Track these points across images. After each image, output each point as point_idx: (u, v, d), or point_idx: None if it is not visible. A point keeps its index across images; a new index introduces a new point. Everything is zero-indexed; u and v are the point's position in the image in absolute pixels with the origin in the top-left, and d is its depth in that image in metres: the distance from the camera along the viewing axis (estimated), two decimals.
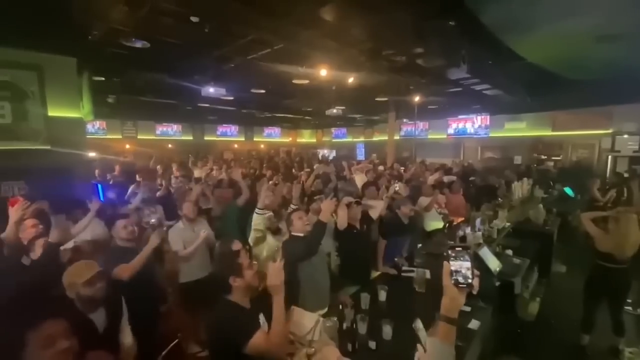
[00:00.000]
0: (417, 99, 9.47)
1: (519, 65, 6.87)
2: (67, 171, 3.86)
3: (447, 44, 5.29)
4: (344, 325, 2.06)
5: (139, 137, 14.22)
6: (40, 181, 3.51)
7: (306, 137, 21.31)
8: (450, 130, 13.62)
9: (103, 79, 6.72)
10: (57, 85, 3.89)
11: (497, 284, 3.11)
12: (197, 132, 16.33)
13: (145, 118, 14.06)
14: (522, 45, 5.74)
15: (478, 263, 3.23)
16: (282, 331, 1.51)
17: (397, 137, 13.64)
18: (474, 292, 1.04)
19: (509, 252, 3.83)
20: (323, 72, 6.37)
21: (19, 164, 3.58)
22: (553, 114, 10.71)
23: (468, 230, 4.00)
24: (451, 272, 1.03)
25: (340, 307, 2.14)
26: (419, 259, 3.31)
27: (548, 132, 11.01)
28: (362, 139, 17.93)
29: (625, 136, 9.16)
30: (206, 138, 16.65)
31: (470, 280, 1.02)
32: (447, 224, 4.72)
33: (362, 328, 2.05)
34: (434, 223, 4.74)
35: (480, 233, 3.81)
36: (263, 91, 9.14)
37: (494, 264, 3.22)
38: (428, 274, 2.84)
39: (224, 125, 17.22)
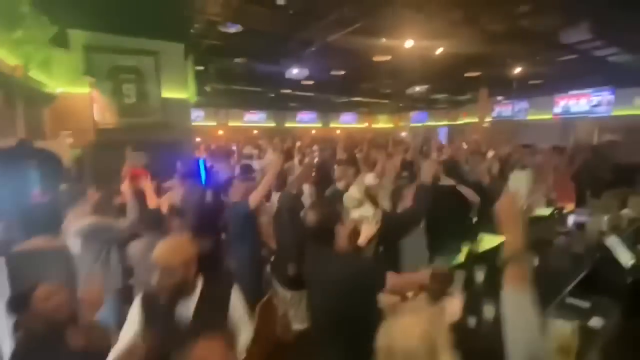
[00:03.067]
0: (516, 71, 8.25)
1: None
2: (179, 145, 4.47)
3: None
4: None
5: (229, 124, 15.76)
6: (157, 153, 4.12)
7: (382, 123, 20.68)
8: (557, 109, 11.54)
9: (202, 68, 7.52)
10: (170, 69, 4.52)
11: (630, 279, 2.54)
12: (279, 118, 17.32)
13: (235, 106, 15.46)
14: None
15: (605, 254, 2.70)
16: None
17: (488, 119, 12.17)
18: None
19: None
20: (407, 44, 5.97)
21: (141, 138, 4.25)
22: None
23: (585, 217, 3.38)
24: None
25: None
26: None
27: None
28: (445, 122, 16.58)
29: None
30: (287, 125, 17.53)
31: None
32: (556, 210, 4.05)
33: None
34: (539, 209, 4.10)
35: (605, 221, 3.16)
36: (342, 72, 9.06)
37: (625, 256, 2.65)
38: (536, 261, 2.47)
39: (303, 111, 17.85)
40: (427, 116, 17.99)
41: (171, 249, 1.34)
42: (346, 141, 6.71)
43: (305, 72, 6.86)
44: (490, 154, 3.75)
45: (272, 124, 17.18)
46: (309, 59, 7.14)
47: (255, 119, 16.80)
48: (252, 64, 7.80)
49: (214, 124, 15.37)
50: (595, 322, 2.16)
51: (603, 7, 4.68)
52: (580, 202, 4.59)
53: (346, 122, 19.78)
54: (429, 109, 17.14)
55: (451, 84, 10.91)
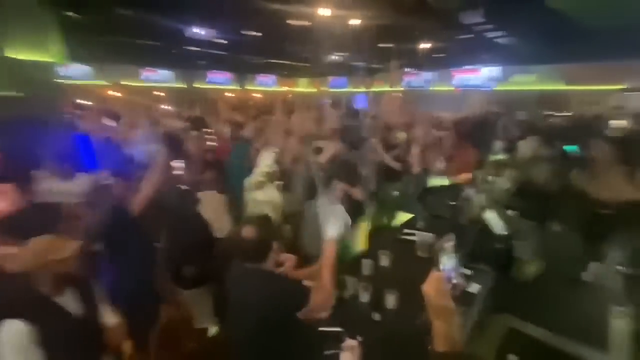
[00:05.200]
0: (422, 46, 8.77)
1: (537, 10, 6.18)
2: (44, 121, 3.48)
3: None
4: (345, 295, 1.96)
5: (122, 83, 13.36)
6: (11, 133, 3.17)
7: (303, 87, 20.33)
8: (455, 82, 12.94)
9: (74, 14, 5.99)
10: (19, 22, 3.31)
11: (501, 247, 3.05)
12: (187, 78, 15.42)
13: (127, 62, 13.08)
14: None
15: (482, 225, 3.15)
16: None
17: (399, 89, 12.98)
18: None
19: (513, 213, 3.74)
20: (323, 12, 5.71)
21: None
22: (567, 67, 10.08)
23: (472, 191, 3.87)
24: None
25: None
26: (420, 222, 3.19)
27: (561, 86, 10.47)
28: (363, 89, 17.11)
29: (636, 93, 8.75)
30: (196, 85, 15.76)
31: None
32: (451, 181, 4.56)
33: (364, 297, 1.95)
34: (436, 179, 4.54)
35: (484, 194, 3.66)
36: (255, 33, 8.35)
37: (498, 227, 3.13)
38: (431, 238, 2.73)
39: (214, 71, 16.19)
40: (346, 82, 18.26)
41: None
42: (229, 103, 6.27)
43: (213, 33, 6.05)
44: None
45: (180, 85, 15.24)
46: (217, 15, 6.31)
47: (157, 78, 14.64)
48: (145, 15, 6.53)
49: (104, 82, 12.83)
50: (474, 288, 2.56)
51: None
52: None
53: (264, 85, 18.81)
54: (348, 74, 17.36)
55: (366, 53, 11.14)
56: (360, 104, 16.19)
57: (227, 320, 1.73)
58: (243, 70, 16.62)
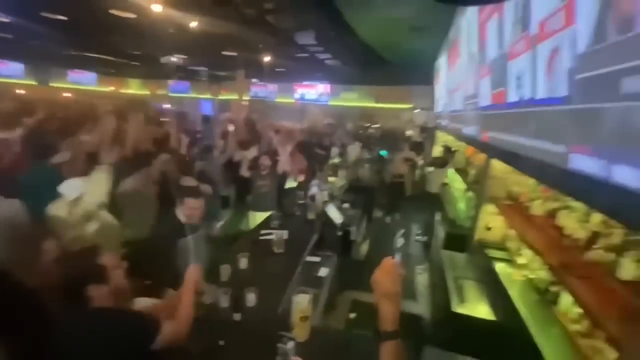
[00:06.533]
0: (266, 59, 9.28)
1: (355, 41, 7.67)
2: None
3: (298, 6, 5.27)
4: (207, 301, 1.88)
5: None
6: None
7: (134, 88, 17.69)
8: (297, 95, 14.32)
9: None
10: None
11: (340, 233, 3.62)
12: None
13: None
14: (359, 23, 6.38)
15: (325, 218, 3.65)
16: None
17: (247, 98, 13.24)
18: None
19: (347, 205, 4.51)
20: (156, 8, 5.20)
21: None
22: (376, 89, 12.90)
23: (316, 189, 4.42)
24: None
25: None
26: (275, 221, 3.39)
27: (373, 104, 13.26)
28: (208, 95, 16.42)
29: (419, 110, 12.11)
30: None
31: None
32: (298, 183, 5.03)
33: (225, 301, 1.93)
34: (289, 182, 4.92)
35: (326, 192, 4.24)
36: (63, 17, 6.71)
37: (337, 217, 3.70)
38: (286, 235, 2.95)
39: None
40: (188, 87, 17.06)
41: None
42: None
43: None
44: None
45: None
46: None
47: None
48: None
49: None
50: (323, 272, 2.95)
51: (324, 21, 6.02)
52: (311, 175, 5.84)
53: (79, 82, 15.30)
54: (190, 79, 16.27)
55: (210, 60, 10.82)
56: (206, 111, 15.59)
57: None
58: (45, 62, 12.98)
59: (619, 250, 1.39)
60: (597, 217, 1.65)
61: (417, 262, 4.55)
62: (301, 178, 5.25)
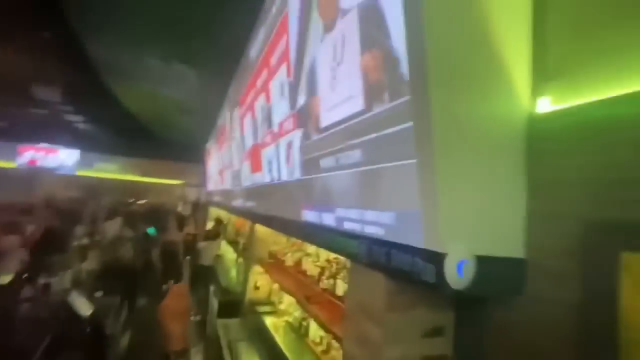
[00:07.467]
0: None
1: (119, 109, 7.01)
2: None
3: (39, 54, 4.41)
4: None
5: None
6: None
7: None
8: (23, 160, 10.74)
9: None
10: None
11: (88, 329, 2.81)
12: None
13: None
14: (123, 93, 5.97)
15: (66, 311, 2.78)
16: None
17: None
18: None
19: (100, 293, 3.64)
20: None
21: None
22: (142, 162, 11.94)
23: (51, 279, 3.33)
24: None
25: None
26: None
27: (137, 177, 12.03)
28: None
29: (190, 188, 12.17)
30: None
31: None
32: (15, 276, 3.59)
33: None
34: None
35: (68, 278, 3.30)
36: None
37: (85, 308, 2.90)
38: None
39: None
40: None
41: None
42: None
43: None
44: None
45: None
46: None
47: None
48: None
49: None
50: None
51: (78, 83, 5.23)
52: (36, 264, 4.17)
53: None
54: None
55: None
56: None
57: None
58: None
59: (335, 276, 2.02)
60: (323, 256, 2.33)
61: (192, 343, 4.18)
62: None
